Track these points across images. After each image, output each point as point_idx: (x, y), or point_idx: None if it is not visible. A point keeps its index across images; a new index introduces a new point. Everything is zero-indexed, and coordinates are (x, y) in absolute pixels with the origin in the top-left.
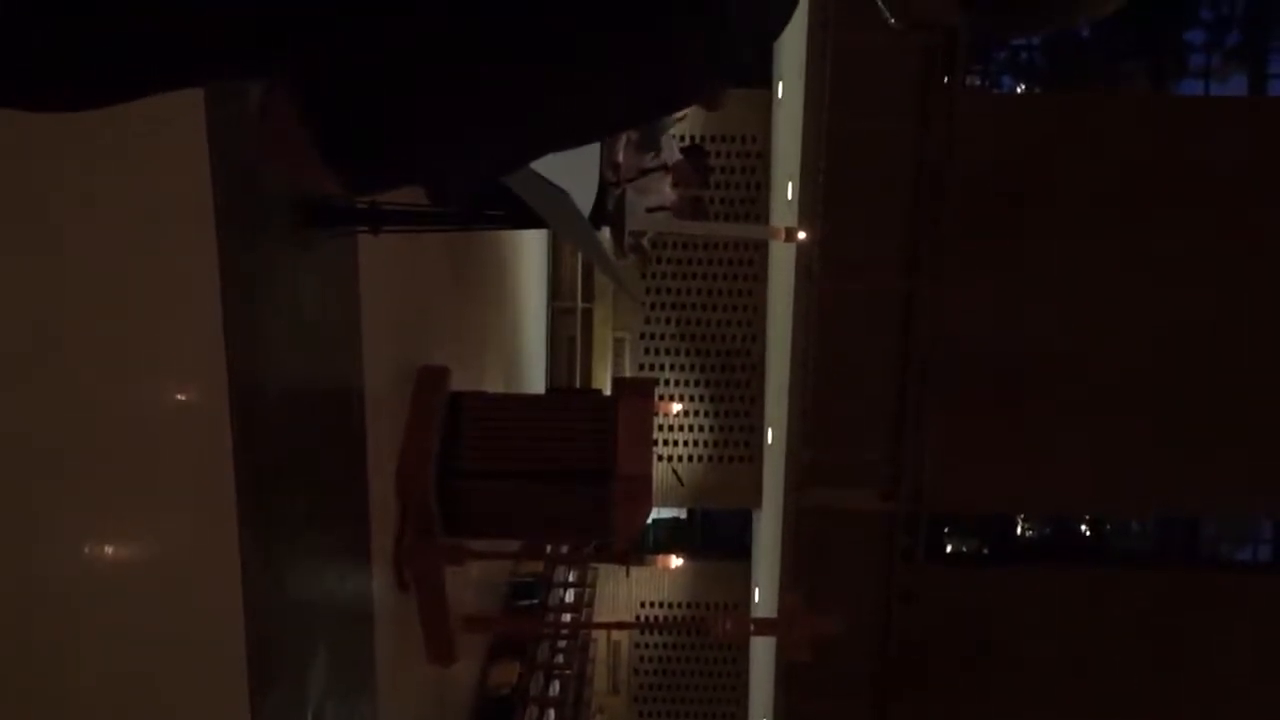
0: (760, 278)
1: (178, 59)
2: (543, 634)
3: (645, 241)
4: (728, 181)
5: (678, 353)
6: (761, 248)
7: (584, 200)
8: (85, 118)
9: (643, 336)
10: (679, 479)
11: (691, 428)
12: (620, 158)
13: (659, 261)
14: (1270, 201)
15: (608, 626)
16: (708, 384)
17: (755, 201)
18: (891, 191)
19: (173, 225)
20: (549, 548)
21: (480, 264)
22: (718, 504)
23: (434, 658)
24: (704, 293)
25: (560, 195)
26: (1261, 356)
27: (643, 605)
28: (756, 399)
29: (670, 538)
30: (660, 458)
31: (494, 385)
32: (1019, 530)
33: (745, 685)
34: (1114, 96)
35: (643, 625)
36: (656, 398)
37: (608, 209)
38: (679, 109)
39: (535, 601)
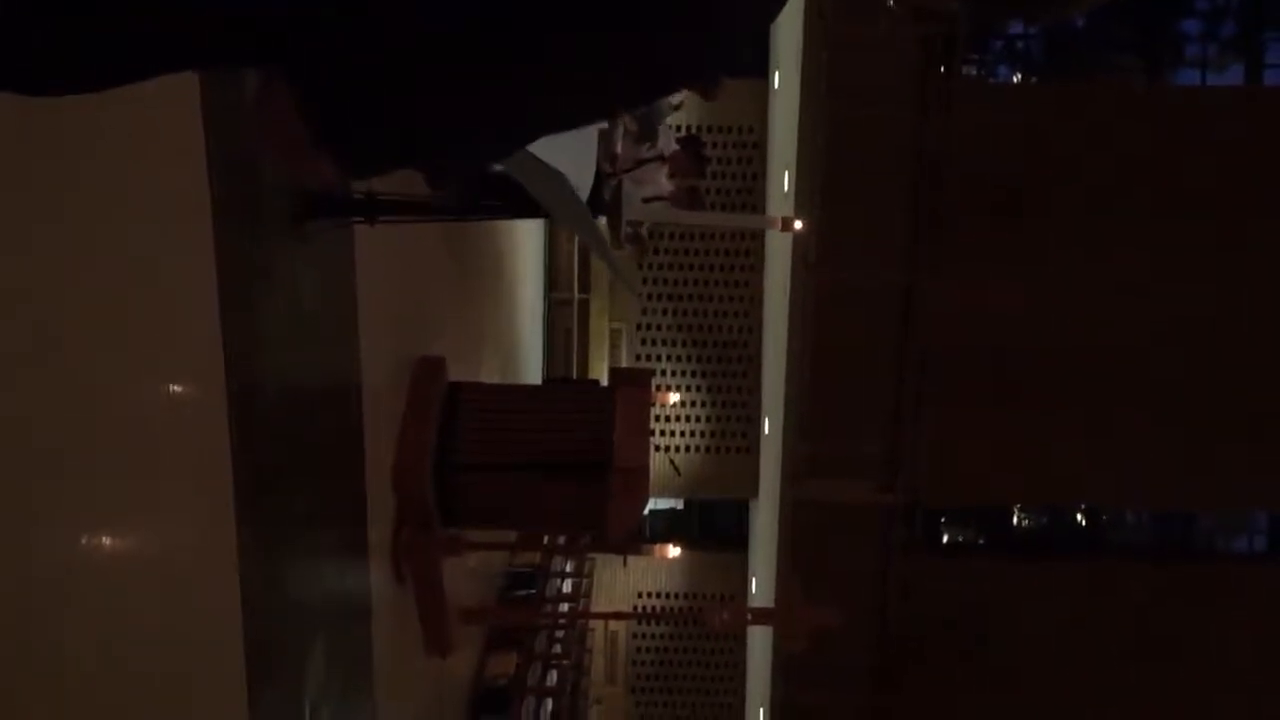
0: (757, 269)
1: (177, 55)
2: (540, 624)
3: (644, 230)
4: (724, 172)
5: (675, 344)
6: (758, 238)
7: (581, 185)
8: (81, 113)
9: (640, 327)
10: (676, 470)
11: (689, 418)
12: (618, 148)
13: (656, 253)
14: (1269, 193)
15: (605, 617)
16: (705, 375)
17: (752, 192)
18: (889, 182)
19: (169, 219)
20: (546, 539)
21: (477, 255)
22: (715, 494)
23: (432, 649)
24: (701, 284)
25: (558, 178)
26: (1260, 348)
27: (640, 596)
28: (754, 390)
29: (668, 528)
30: (657, 448)
31: (491, 376)
32: (1015, 521)
33: (742, 675)
34: (1111, 87)
35: (640, 615)
36: (653, 388)
37: (604, 199)
38: (676, 91)
39: (532, 592)
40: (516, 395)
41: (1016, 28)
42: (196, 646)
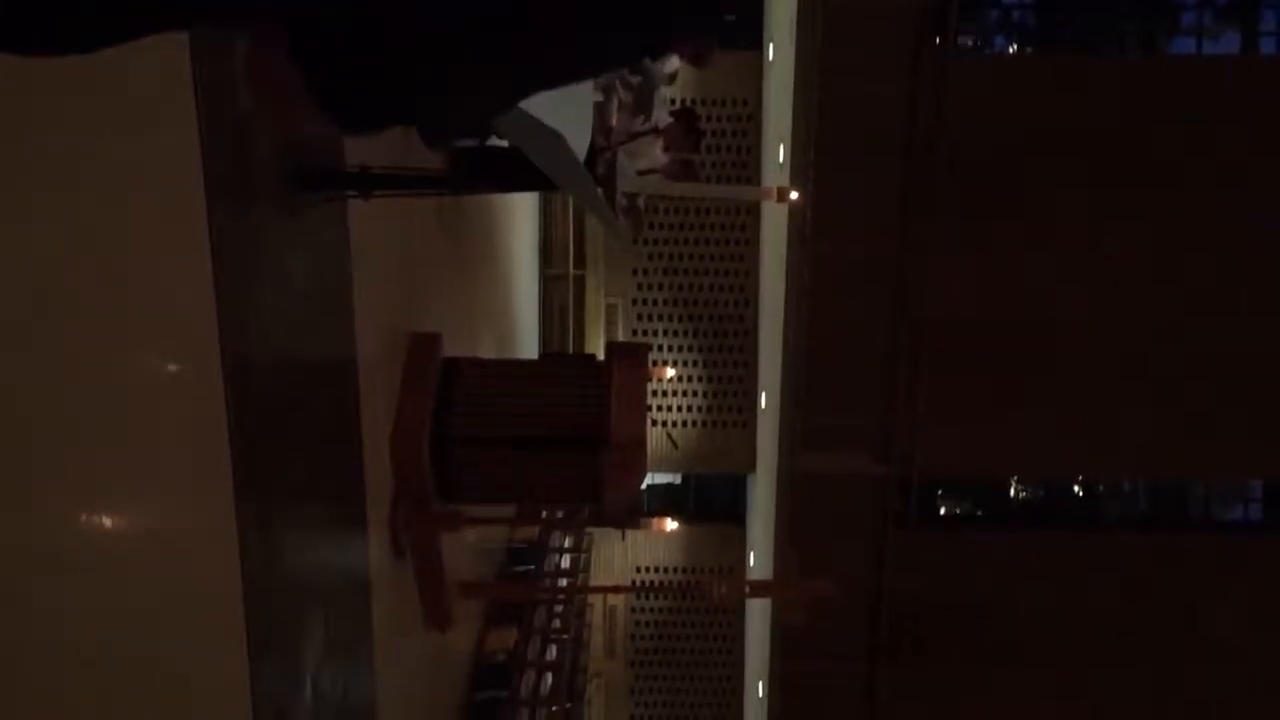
0: (753, 242)
1: (172, 11)
2: (539, 599)
3: (640, 202)
4: (719, 145)
5: (671, 318)
6: (754, 212)
7: (577, 150)
8: (70, 92)
9: (635, 302)
10: (673, 444)
11: (685, 393)
12: (613, 121)
13: (651, 227)
14: (1267, 161)
15: (604, 591)
16: (701, 349)
17: (747, 165)
18: (884, 154)
19: (162, 193)
20: (544, 514)
21: (472, 230)
22: (712, 468)
23: (431, 623)
24: (696, 258)
25: (555, 137)
26: (1260, 319)
27: (638, 570)
28: (750, 364)
29: (665, 503)
30: (654, 423)
31: (487, 351)
32: (1012, 493)
33: (741, 649)
34: (1107, 58)
35: (638, 589)
36: (650, 363)
37: (599, 172)
38: (669, 51)
39: (531, 567)
40: (513, 370)
41: None
42: (197, 619)
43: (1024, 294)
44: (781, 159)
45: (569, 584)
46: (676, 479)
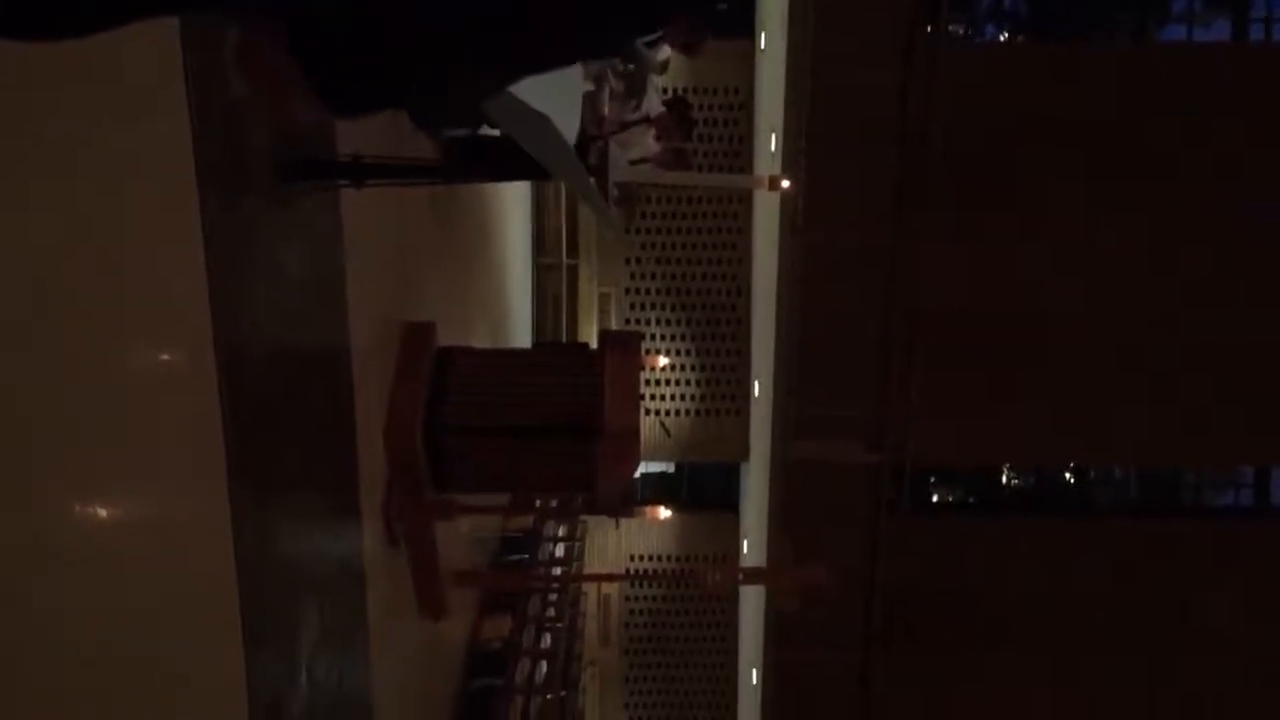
0: (745, 231)
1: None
2: (533, 587)
3: (635, 190)
4: (711, 134)
5: (664, 307)
6: (746, 201)
7: (566, 132)
8: (60, 81)
9: (628, 292)
10: (666, 432)
11: (679, 382)
12: (604, 111)
13: (643, 216)
14: (1263, 152)
15: (598, 579)
16: (694, 338)
17: (739, 154)
18: (876, 142)
19: (153, 183)
20: (538, 502)
21: (465, 220)
22: (706, 457)
23: (426, 612)
24: (689, 247)
25: (543, 120)
26: (1256, 309)
27: (632, 558)
28: (743, 352)
29: (659, 491)
30: (648, 412)
31: (480, 341)
32: (1004, 481)
33: (735, 637)
34: (1100, 46)
35: (633, 577)
36: (643, 351)
37: (591, 161)
38: (662, 27)
39: (525, 556)
40: (506, 359)
41: None
42: (191, 609)
43: (1018, 283)
44: (773, 148)
45: (563, 572)
46: (670, 467)
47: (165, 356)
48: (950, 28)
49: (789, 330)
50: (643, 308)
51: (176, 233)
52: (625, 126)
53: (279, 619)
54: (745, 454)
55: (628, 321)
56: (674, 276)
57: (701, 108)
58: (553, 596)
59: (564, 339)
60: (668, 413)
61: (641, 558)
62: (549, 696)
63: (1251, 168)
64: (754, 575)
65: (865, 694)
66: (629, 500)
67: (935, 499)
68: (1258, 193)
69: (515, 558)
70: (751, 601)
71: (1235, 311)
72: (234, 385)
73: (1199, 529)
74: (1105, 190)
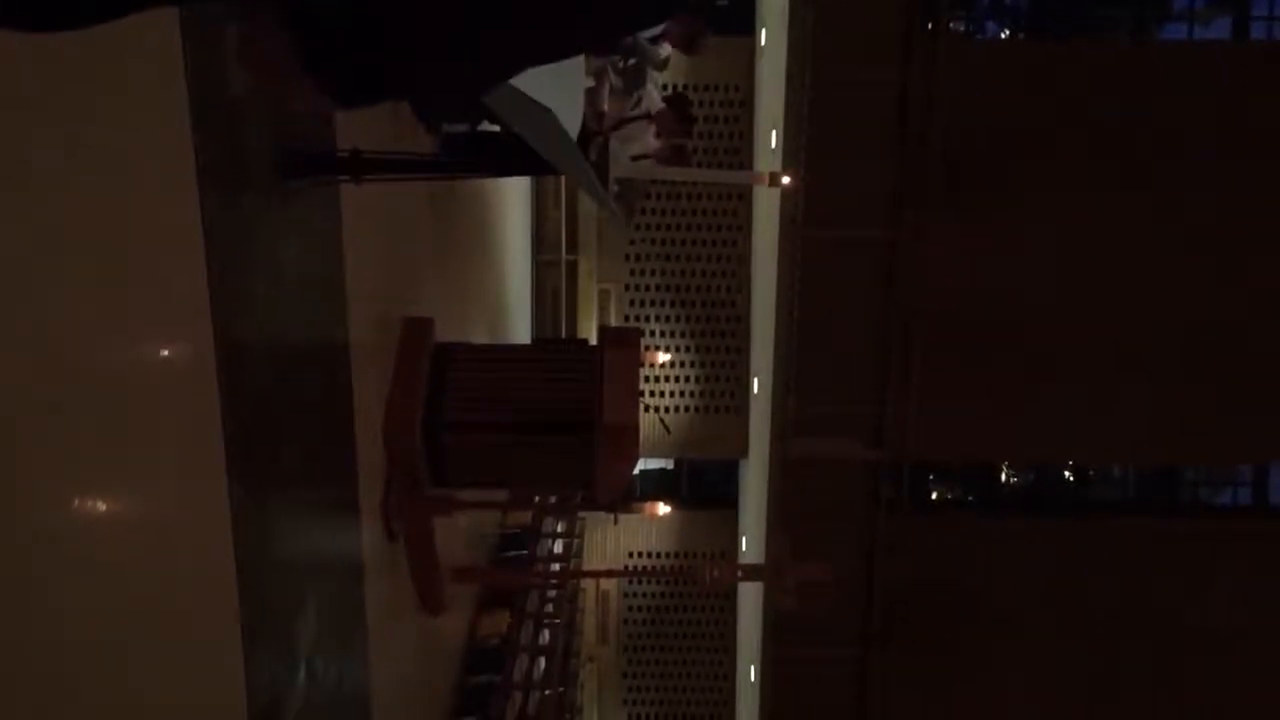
0: (744, 228)
1: None
2: (531, 584)
3: (640, 186)
4: (711, 131)
5: (663, 304)
6: (745, 198)
7: (568, 125)
8: (59, 77)
9: (628, 288)
10: (666, 429)
11: (678, 378)
12: (604, 107)
13: (643, 212)
14: (1263, 149)
15: (596, 575)
16: (694, 335)
17: (739, 151)
18: (877, 139)
19: (153, 179)
20: (537, 499)
21: (464, 216)
22: (705, 454)
23: (424, 608)
24: (689, 244)
25: (545, 113)
26: (1259, 308)
27: (631, 555)
28: (743, 349)
29: (658, 488)
30: (647, 408)
31: (479, 337)
32: (1003, 479)
33: (733, 634)
34: (1101, 44)
35: (631, 574)
36: (642, 348)
37: (592, 157)
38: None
39: (524, 552)
40: (506, 355)
41: None
42: (190, 606)
43: (1017, 281)
44: (774, 144)
45: (562, 569)
46: (669, 464)
47: (164, 353)
48: (951, 25)
49: (788, 327)
50: (642, 304)
51: (176, 229)
52: (625, 123)
53: (278, 616)
54: (744, 451)
55: (627, 318)
56: (674, 273)
57: (702, 104)
58: (551, 593)
59: (563, 335)
60: (667, 409)
61: (640, 554)
62: (547, 693)
63: (1255, 167)
64: (753, 572)
65: (863, 691)
66: (628, 497)
67: (934, 497)
68: (1262, 193)
69: (514, 554)
70: (750, 599)
71: (1237, 311)
72: (233, 381)
73: (1198, 527)
74: (1106, 188)
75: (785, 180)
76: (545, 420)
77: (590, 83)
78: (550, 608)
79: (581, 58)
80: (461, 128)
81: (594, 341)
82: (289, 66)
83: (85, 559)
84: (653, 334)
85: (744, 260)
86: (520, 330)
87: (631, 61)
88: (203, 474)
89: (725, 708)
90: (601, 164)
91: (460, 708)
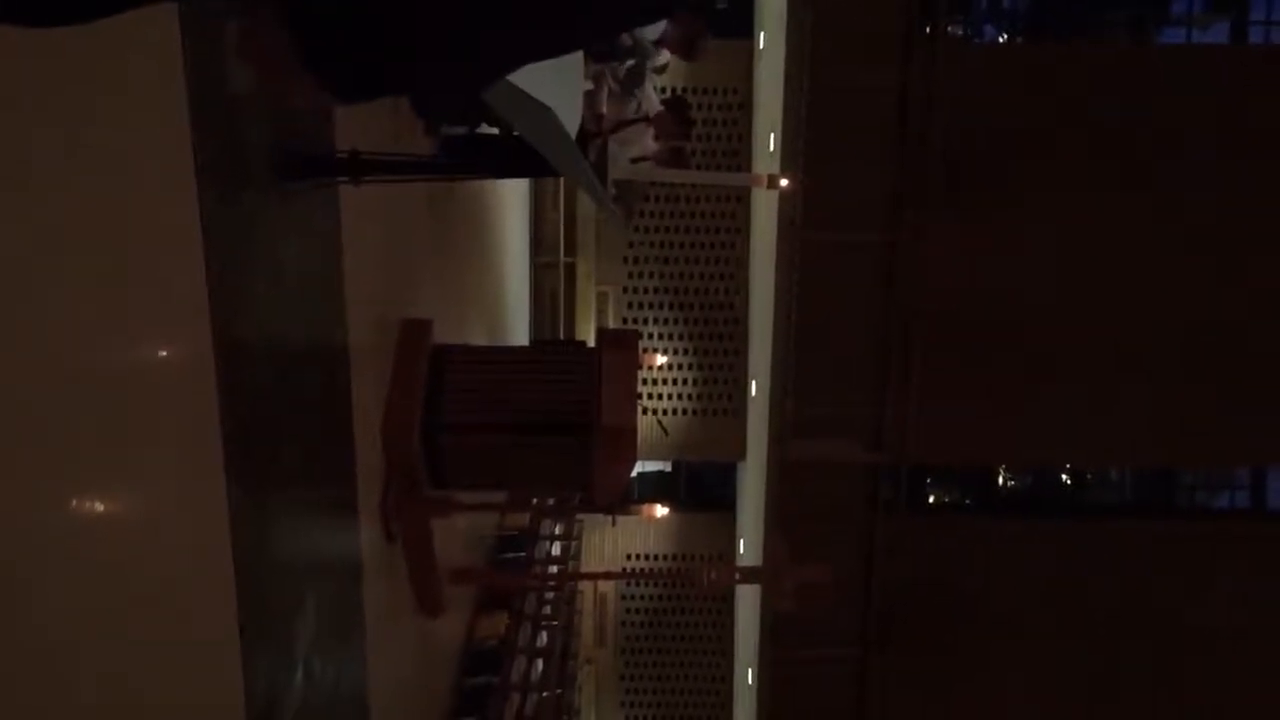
0: (743, 230)
1: None
2: (529, 586)
3: (640, 190)
4: (710, 134)
5: (661, 306)
6: (744, 200)
7: (567, 124)
8: (59, 78)
9: (626, 290)
10: (664, 431)
11: (676, 381)
12: (603, 109)
13: (642, 215)
14: (1261, 152)
15: (594, 577)
16: (692, 337)
17: (738, 153)
18: (875, 142)
19: (152, 179)
20: (535, 500)
21: (463, 217)
22: (703, 456)
23: (422, 609)
24: (687, 246)
25: (544, 111)
26: (1258, 306)
27: (629, 557)
28: (741, 352)
29: (656, 490)
30: (645, 410)
31: (478, 338)
32: (1001, 482)
33: (731, 637)
34: (1099, 47)
35: (629, 576)
36: (640, 350)
37: (591, 159)
38: (657, 18)
39: (522, 555)
40: (503, 357)
41: None
42: (189, 606)
43: (1016, 284)
44: (772, 147)
45: (559, 571)
46: (667, 466)
47: (163, 352)
48: (949, 28)
49: (786, 329)
50: (640, 306)
51: (175, 229)
52: (624, 125)
53: (276, 616)
54: (742, 453)
55: (625, 320)
56: (672, 275)
57: (700, 107)
58: (549, 595)
59: (561, 337)
60: (665, 411)
61: (638, 556)
62: (545, 695)
63: (1255, 168)
64: (750, 574)
65: (861, 693)
66: (626, 499)
67: (932, 500)
68: (1262, 193)
69: (512, 556)
70: (748, 601)
71: (1237, 312)
72: (232, 381)
73: (1196, 530)
74: (1105, 189)
75: (783, 182)
76: (543, 422)
77: (589, 85)
78: (548, 610)
79: (580, 58)
80: (460, 129)
81: (592, 343)
82: (289, 62)
83: (83, 559)
84: (651, 336)
85: (742, 262)
86: (518, 332)
87: (630, 64)
88: (201, 474)
89: (723, 710)
90: (600, 166)
91: (458, 709)
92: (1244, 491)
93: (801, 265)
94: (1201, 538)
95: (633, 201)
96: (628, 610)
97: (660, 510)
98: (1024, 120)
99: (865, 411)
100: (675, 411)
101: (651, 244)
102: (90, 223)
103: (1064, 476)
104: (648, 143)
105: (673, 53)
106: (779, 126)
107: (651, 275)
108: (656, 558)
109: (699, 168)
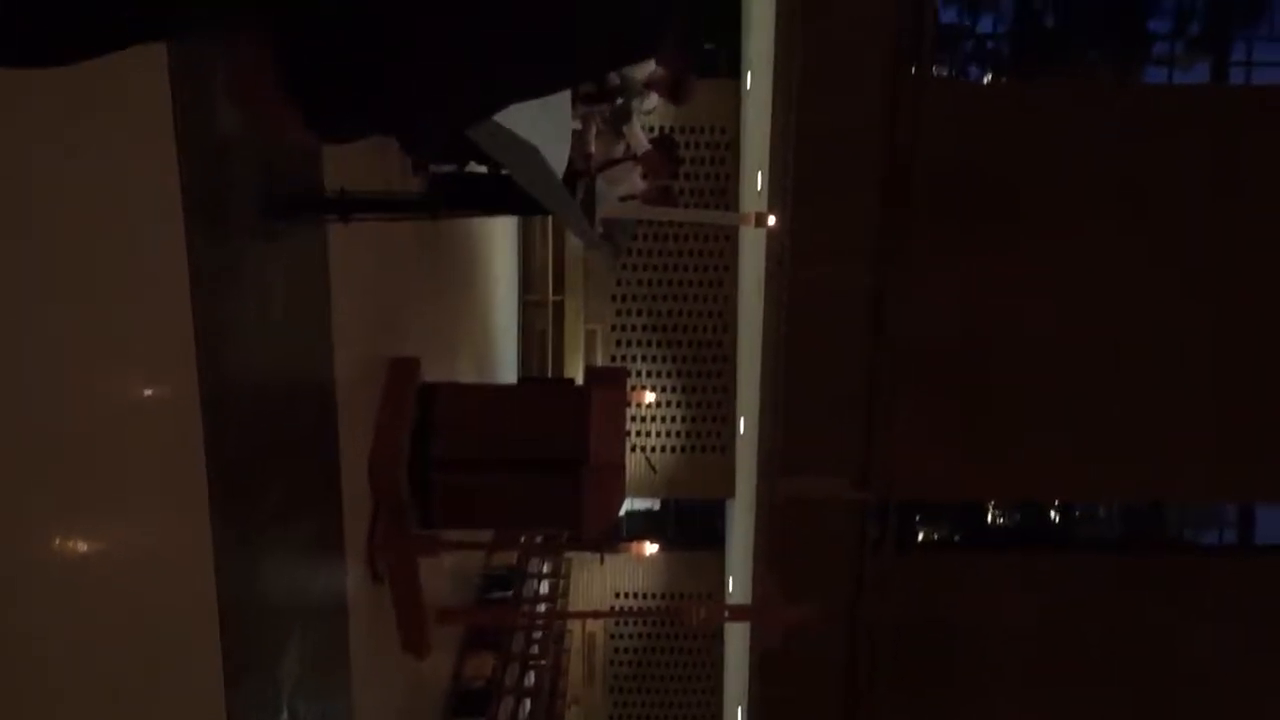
0: (730, 268)
1: (153, 21)
2: (517, 625)
3: (627, 228)
4: (697, 172)
5: (650, 344)
6: (731, 238)
7: (555, 162)
8: (48, 113)
9: (614, 328)
10: (652, 469)
11: (664, 418)
12: (591, 148)
13: (630, 253)
14: (1239, 189)
15: (582, 616)
16: (680, 375)
17: (725, 192)
18: (861, 180)
19: (140, 216)
20: (523, 538)
21: (451, 255)
22: (691, 494)
23: (408, 649)
24: (675, 284)
25: (531, 150)
26: (1234, 346)
27: (617, 595)
28: (729, 389)
29: (644, 528)
30: (633, 448)
31: (466, 376)
32: (989, 518)
33: (719, 674)
34: (1081, 87)
35: (617, 615)
36: (629, 388)
37: (579, 197)
38: (642, 57)
39: (509, 593)
40: (492, 394)
41: (986, 26)
42: (172, 645)
43: (1004, 319)
44: (759, 185)
45: (547, 609)
46: (656, 504)
47: (149, 390)
48: (934, 69)
49: (774, 367)
50: (629, 344)
51: (163, 265)
52: (612, 163)
53: (261, 655)
54: (731, 491)
55: (614, 358)
56: (660, 313)
57: (688, 146)
58: (537, 634)
59: (550, 375)
60: (653, 449)
61: (626, 595)
62: None
63: (1238, 205)
64: (739, 613)
65: None
66: (614, 536)
67: (921, 536)
68: (1249, 227)
69: (499, 594)
70: (737, 639)
71: (1228, 350)
72: (218, 421)
73: (1185, 565)
74: (1095, 227)
75: (770, 221)
76: (531, 459)
77: (577, 124)
78: (536, 649)
79: (568, 97)
80: (449, 167)
81: (581, 381)
82: (277, 100)
83: (65, 599)
84: (639, 373)
85: (730, 300)
86: (507, 370)
87: (619, 102)
88: (186, 513)
89: None
90: (588, 204)
91: None
92: (1232, 529)
93: (789, 303)
94: (1191, 572)
95: (621, 240)
96: (616, 649)
97: (649, 548)
98: (1011, 158)
99: (854, 448)
100: (664, 449)
101: (640, 281)
102: (76, 259)
103: (1052, 512)
104: (636, 181)
105: (660, 95)
106: (766, 165)
107: (640, 313)
108: (645, 596)
109: (687, 206)
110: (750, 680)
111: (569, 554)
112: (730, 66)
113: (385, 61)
